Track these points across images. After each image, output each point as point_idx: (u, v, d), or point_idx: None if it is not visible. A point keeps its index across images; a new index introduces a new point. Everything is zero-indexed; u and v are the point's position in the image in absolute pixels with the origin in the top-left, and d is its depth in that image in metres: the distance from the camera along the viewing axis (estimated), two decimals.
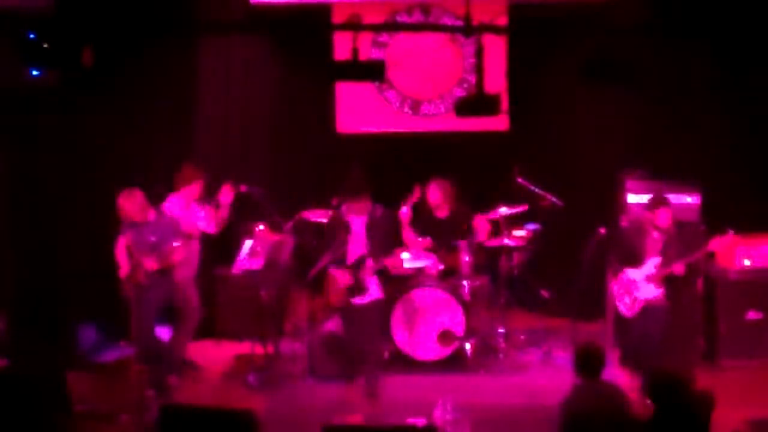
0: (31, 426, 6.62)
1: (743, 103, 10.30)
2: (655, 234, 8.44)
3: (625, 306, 8.57)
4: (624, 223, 9.27)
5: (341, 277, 8.32)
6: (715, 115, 10.41)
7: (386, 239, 8.48)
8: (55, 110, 9.83)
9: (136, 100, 10.43)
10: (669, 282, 8.41)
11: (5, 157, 9.80)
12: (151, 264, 8.59)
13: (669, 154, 10.42)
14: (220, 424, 6.17)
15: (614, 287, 8.68)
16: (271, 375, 9.05)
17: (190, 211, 9.31)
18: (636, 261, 8.48)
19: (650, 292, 8.42)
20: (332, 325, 8.99)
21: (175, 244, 8.66)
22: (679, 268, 8.29)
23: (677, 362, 8.08)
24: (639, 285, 8.45)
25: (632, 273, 8.48)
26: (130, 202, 8.67)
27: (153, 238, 8.64)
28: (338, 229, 8.41)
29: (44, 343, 9.23)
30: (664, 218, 8.40)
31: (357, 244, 8.41)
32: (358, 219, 8.41)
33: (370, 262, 8.31)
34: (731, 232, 8.30)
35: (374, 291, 8.42)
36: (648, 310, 8.42)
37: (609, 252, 8.61)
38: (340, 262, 8.36)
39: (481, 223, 9.63)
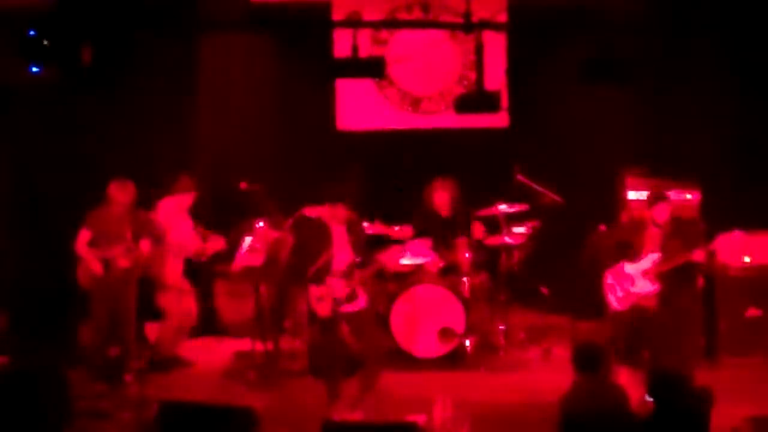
0: (30, 424, 6.62)
1: (743, 99, 10.31)
2: (654, 230, 8.43)
3: (616, 298, 8.51)
4: (624, 218, 9.26)
5: (337, 287, 8.07)
6: (715, 111, 10.41)
7: (363, 246, 8.31)
8: (55, 107, 9.84)
9: (136, 98, 10.43)
10: (666, 279, 8.37)
11: (5, 155, 9.81)
12: (122, 260, 8.61)
13: (669, 150, 10.43)
14: (220, 420, 6.16)
15: (608, 279, 8.59)
16: (271, 372, 9.04)
17: (181, 219, 9.32)
18: (633, 256, 8.46)
19: (645, 287, 8.38)
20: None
21: (143, 242, 8.70)
22: (699, 256, 8.24)
23: (673, 361, 8.05)
24: (635, 279, 8.42)
25: (628, 267, 8.44)
26: (124, 193, 8.66)
27: (119, 232, 8.65)
28: (324, 234, 8.17)
29: (44, 341, 9.23)
30: (662, 214, 8.40)
31: (341, 251, 8.15)
32: (338, 226, 8.17)
33: (358, 270, 8.12)
34: (737, 231, 8.29)
35: (362, 299, 8.26)
36: (638, 310, 8.38)
37: (606, 247, 8.57)
38: (325, 269, 8.10)
39: (476, 223, 9.65)
